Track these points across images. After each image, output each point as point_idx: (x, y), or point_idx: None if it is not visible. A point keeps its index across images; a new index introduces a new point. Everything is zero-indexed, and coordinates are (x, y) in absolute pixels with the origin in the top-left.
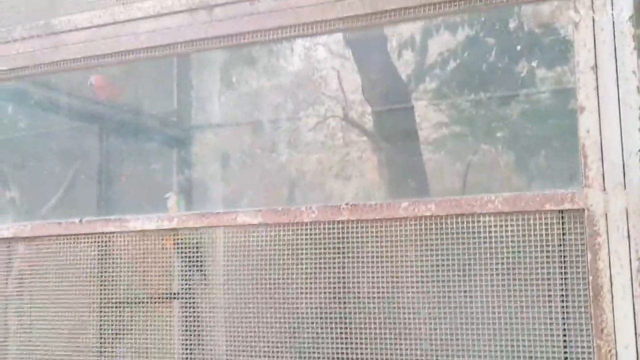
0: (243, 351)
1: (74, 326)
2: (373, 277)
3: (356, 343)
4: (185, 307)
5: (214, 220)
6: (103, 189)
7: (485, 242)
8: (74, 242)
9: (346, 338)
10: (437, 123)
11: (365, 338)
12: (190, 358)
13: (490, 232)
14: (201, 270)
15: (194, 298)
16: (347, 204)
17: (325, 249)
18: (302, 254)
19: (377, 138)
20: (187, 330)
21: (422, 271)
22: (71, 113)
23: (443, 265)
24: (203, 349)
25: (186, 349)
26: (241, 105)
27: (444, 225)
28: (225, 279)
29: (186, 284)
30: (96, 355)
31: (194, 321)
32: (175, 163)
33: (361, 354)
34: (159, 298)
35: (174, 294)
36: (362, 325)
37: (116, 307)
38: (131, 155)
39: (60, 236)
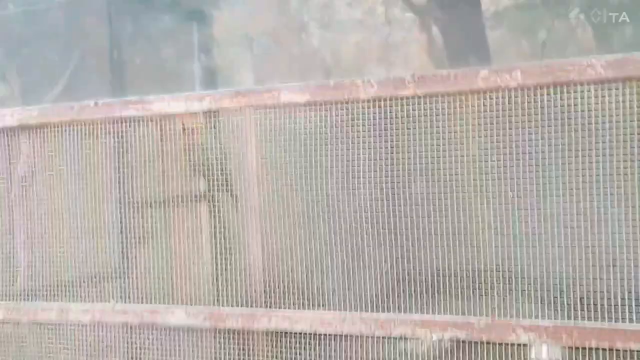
0: (283, 259)
1: (90, 230)
2: (445, 164)
3: (429, 246)
4: (217, 207)
5: (253, 99)
6: (114, 74)
7: (584, 117)
8: (88, 130)
9: (413, 240)
10: None
11: (437, 237)
12: (222, 265)
13: (589, 104)
14: (235, 162)
15: (227, 197)
16: (413, 75)
17: (386, 131)
18: (358, 137)
19: (431, 7)
20: (219, 234)
21: (506, 154)
22: None
23: (531, 147)
24: (236, 256)
25: (218, 255)
26: None
27: (532, 99)
28: (262, 173)
29: (219, 180)
30: (118, 262)
31: (226, 223)
32: (196, 45)
33: (435, 254)
34: (186, 197)
35: (205, 192)
36: (435, 224)
37: (139, 207)
38: (144, 35)
39: (74, 122)
